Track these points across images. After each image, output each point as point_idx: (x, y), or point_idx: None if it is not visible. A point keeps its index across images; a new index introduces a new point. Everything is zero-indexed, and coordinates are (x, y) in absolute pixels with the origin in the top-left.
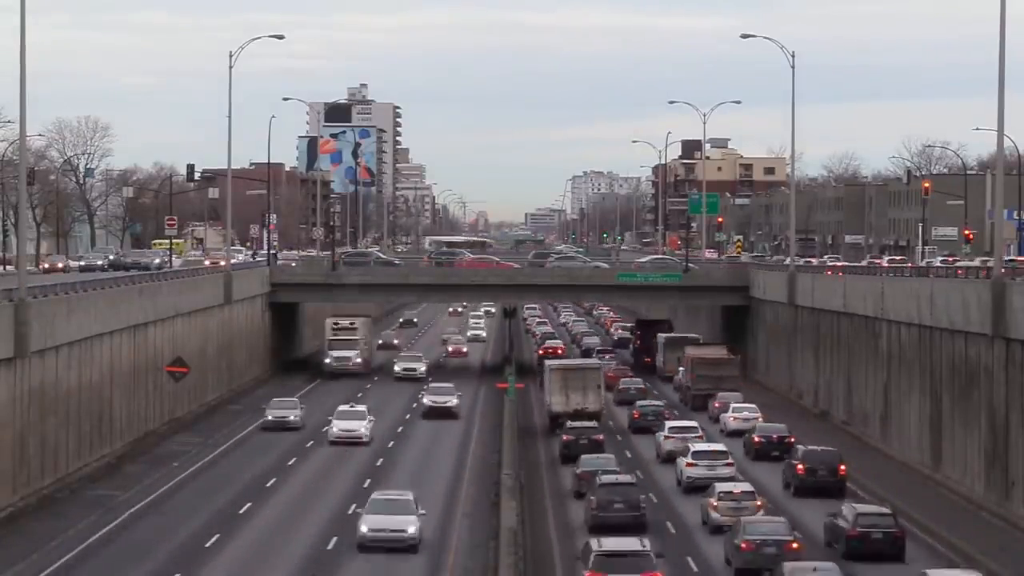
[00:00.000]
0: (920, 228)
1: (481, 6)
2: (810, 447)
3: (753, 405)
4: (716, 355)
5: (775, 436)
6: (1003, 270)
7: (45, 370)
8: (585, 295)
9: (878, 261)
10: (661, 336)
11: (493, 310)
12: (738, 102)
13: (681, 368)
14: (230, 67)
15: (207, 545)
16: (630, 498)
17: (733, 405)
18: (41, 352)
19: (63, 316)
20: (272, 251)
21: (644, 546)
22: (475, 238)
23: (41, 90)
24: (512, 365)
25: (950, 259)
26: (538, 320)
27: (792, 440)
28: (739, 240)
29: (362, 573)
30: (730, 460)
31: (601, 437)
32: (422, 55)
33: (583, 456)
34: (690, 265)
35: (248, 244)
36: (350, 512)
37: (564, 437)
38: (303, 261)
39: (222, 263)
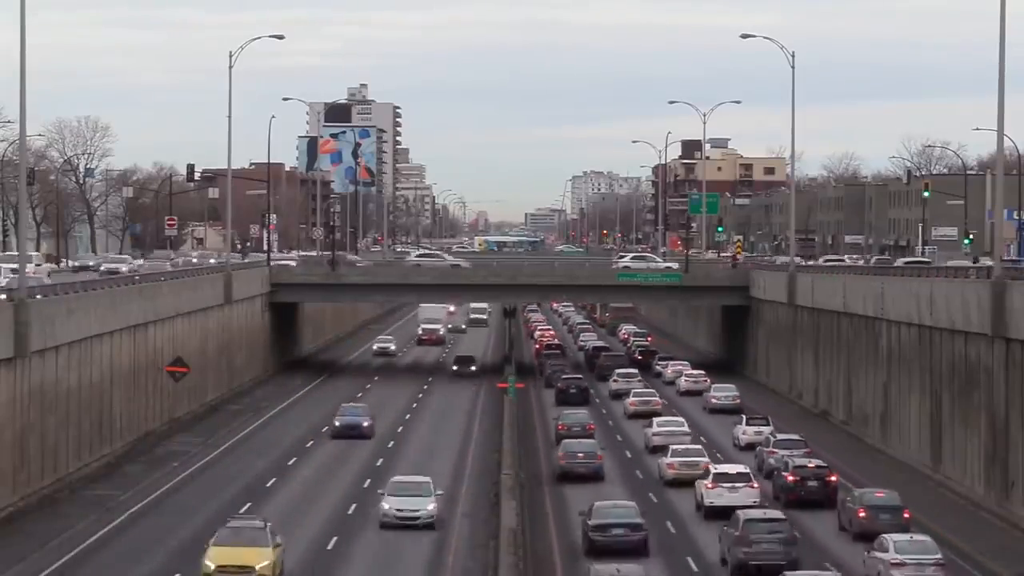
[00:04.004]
0: (920, 228)
1: (481, 6)
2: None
3: (633, 326)
4: (624, 306)
5: (632, 333)
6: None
7: (45, 370)
8: (585, 295)
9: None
10: (599, 303)
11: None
12: (738, 102)
13: (607, 315)
14: (230, 67)
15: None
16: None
17: (624, 326)
18: (41, 352)
19: (63, 316)
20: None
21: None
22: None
23: (49, 88)
24: (512, 365)
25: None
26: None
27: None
28: (739, 240)
29: (363, 572)
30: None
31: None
32: (422, 54)
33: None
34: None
35: (248, 243)
36: (350, 512)
37: (547, 362)
38: (300, 261)
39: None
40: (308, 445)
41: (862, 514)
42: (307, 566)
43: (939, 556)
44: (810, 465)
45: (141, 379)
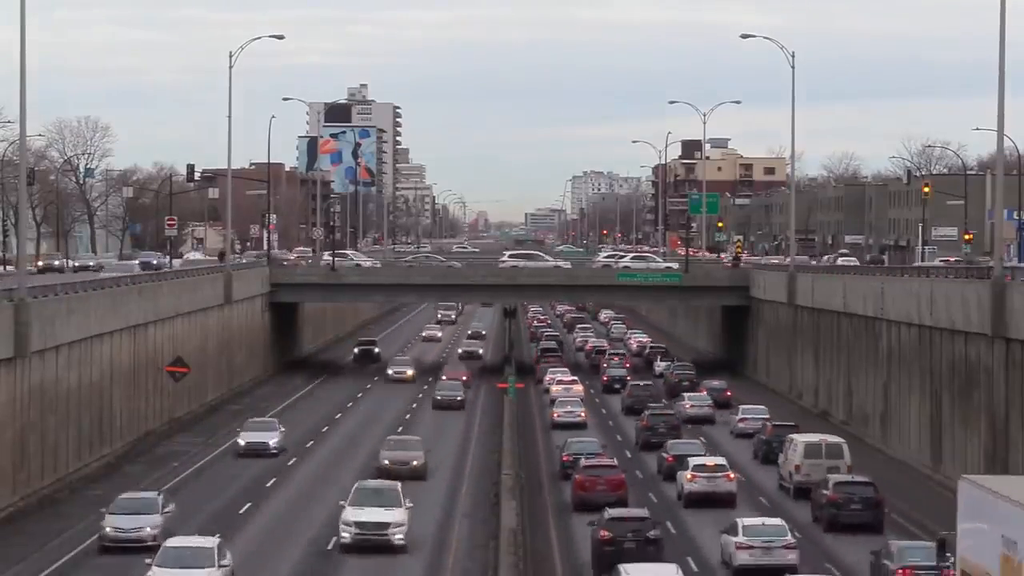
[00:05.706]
0: (920, 228)
1: (481, 6)
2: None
3: (611, 311)
4: (611, 302)
5: (611, 317)
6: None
7: (45, 370)
8: (585, 295)
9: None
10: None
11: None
12: (738, 102)
13: (590, 303)
14: (230, 67)
15: None
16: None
17: (604, 310)
18: (41, 352)
19: (63, 316)
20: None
21: None
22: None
23: (49, 87)
24: (512, 365)
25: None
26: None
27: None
28: (739, 240)
29: (362, 572)
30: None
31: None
32: (422, 54)
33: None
34: (670, 264)
35: (249, 243)
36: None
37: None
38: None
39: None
40: (308, 445)
41: (703, 392)
42: (307, 566)
43: (766, 416)
44: (686, 373)
45: (141, 379)
